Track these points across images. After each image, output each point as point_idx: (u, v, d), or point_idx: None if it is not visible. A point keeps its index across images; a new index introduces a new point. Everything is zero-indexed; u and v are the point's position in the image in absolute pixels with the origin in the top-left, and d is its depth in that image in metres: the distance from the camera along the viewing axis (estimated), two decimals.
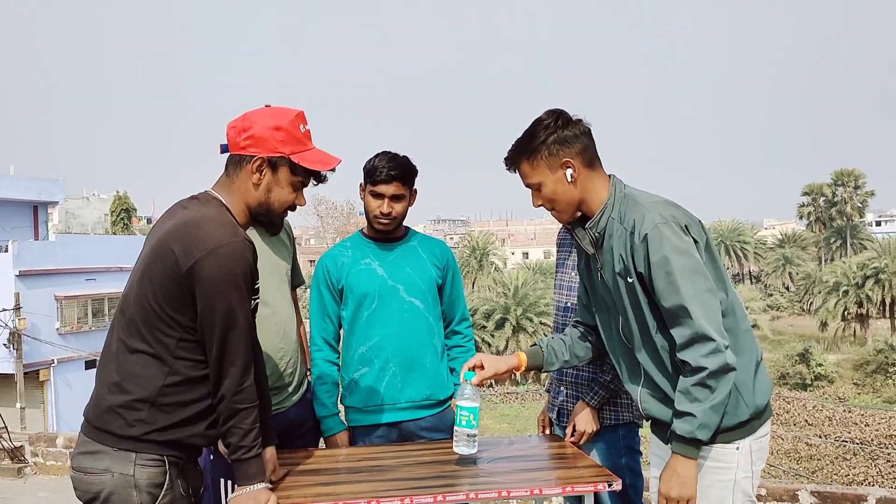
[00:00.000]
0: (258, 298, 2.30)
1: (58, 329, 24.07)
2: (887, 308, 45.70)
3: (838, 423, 28.10)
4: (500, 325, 40.41)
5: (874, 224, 79.95)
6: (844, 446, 24.91)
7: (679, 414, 2.15)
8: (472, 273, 55.49)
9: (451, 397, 3.20)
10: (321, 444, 3.14)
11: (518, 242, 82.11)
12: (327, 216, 55.11)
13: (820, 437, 26.16)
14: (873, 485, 20.23)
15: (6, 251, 22.95)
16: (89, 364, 23.75)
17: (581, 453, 2.73)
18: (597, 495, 2.51)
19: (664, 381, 2.25)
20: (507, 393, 34.96)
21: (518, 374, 2.71)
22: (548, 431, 3.06)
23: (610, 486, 2.35)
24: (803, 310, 55.64)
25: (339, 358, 3.22)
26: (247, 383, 2.13)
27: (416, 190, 3.14)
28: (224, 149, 2.26)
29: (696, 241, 2.19)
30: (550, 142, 2.29)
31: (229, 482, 2.56)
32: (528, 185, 2.38)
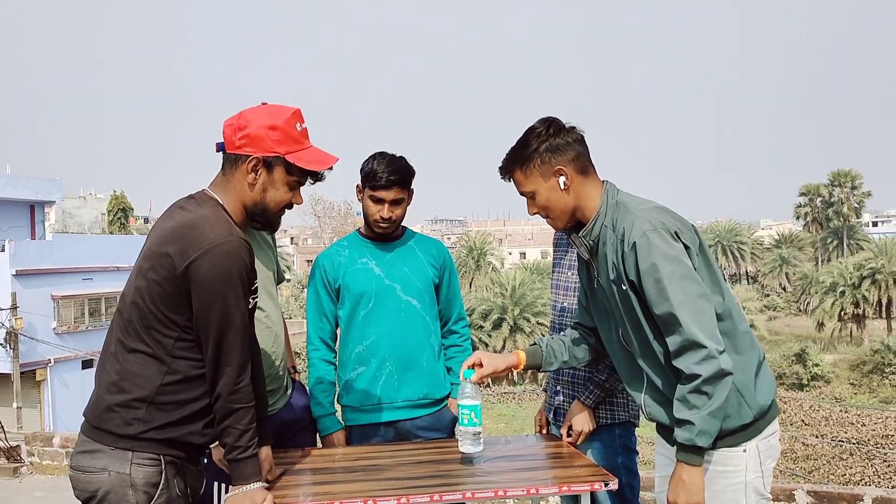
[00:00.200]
0: (256, 298, 2.30)
1: (54, 329, 24.03)
2: (884, 308, 45.77)
3: (835, 423, 28.15)
4: (497, 325, 40.42)
5: (871, 224, 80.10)
6: (841, 446, 24.95)
7: (678, 422, 2.15)
8: (469, 273, 55.50)
9: (447, 396, 3.20)
10: (317, 443, 3.14)
11: (515, 242, 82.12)
12: (325, 216, 55.03)
13: (816, 436, 26.20)
14: (870, 484, 20.26)
15: (3, 250, 22.89)
16: (86, 364, 23.72)
17: (577, 452, 2.73)
18: (593, 494, 2.51)
19: (666, 386, 2.24)
20: (505, 393, 34.96)
21: (516, 372, 2.72)
22: (545, 431, 3.06)
23: (606, 485, 2.35)
24: (800, 310, 55.73)
25: (335, 357, 3.22)
26: (243, 383, 2.13)
27: (412, 189, 3.14)
28: (220, 147, 2.25)
29: (687, 247, 2.18)
30: (543, 150, 2.30)
31: (223, 485, 2.55)
32: (522, 194, 2.39)
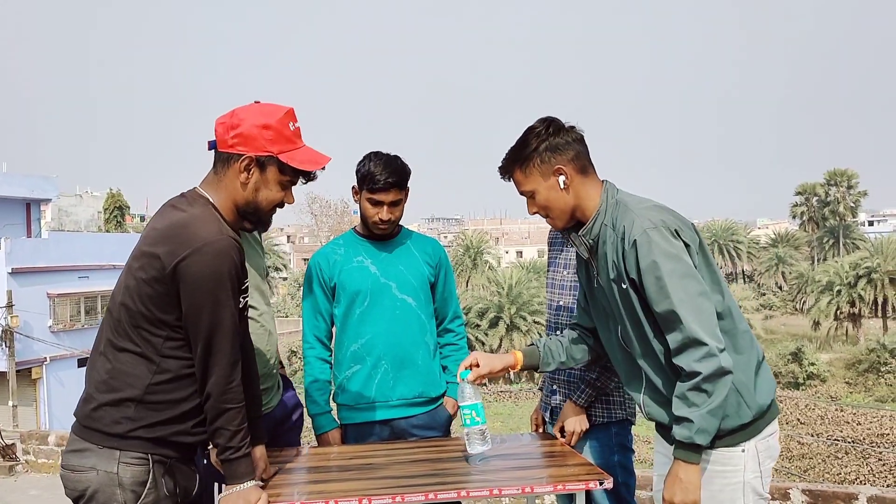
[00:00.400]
0: (247, 297, 2.29)
1: (50, 327, 24.01)
2: (879, 307, 45.83)
3: (830, 422, 28.17)
4: (493, 323, 40.41)
5: (867, 224, 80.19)
6: (836, 445, 24.98)
7: (677, 419, 2.15)
8: (466, 271, 55.48)
9: (443, 395, 3.20)
10: (312, 441, 3.14)
11: (512, 241, 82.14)
12: (321, 214, 55.03)
13: (812, 435, 26.23)
14: (865, 483, 20.30)
15: None
16: (82, 362, 23.68)
17: (573, 451, 2.73)
18: (589, 493, 2.51)
19: (666, 386, 2.24)
20: (501, 391, 34.96)
21: (513, 372, 2.71)
22: (541, 430, 3.07)
23: (601, 484, 2.35)
24: (796, 309, 55.76)
25: (331, 356, 3.22)
26: (234, 383, 2.12)
27: (408, 187, 3.14)
28: (212, 145, 2.23)
29: (688, 245, 2.18)
30: (542, 149, 2.30)
31: (222, 485, 2.55)
32: (522, 193, 2.39)
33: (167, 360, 2.11)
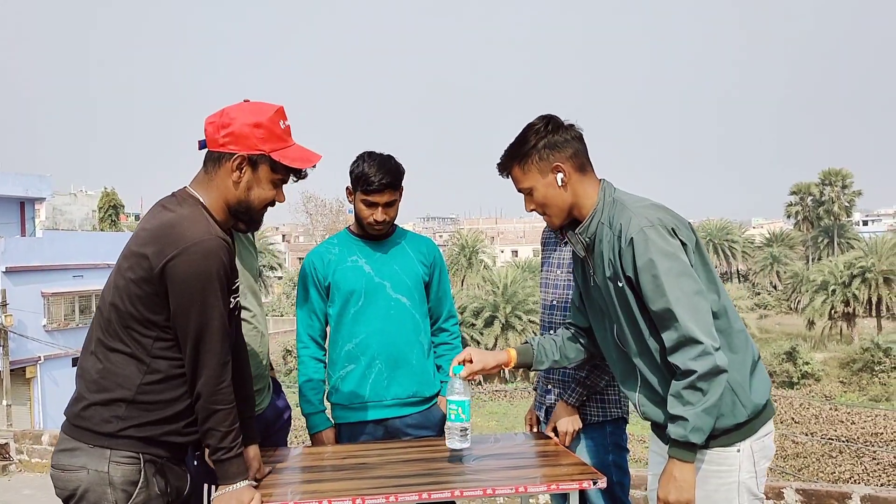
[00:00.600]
0: (238, 297, 2.28)
1: (45, 326, 23.96)
2: (873, 307, 45.94)
3: (824, 421, 28.26)
4: (489, 322, 40.44)
5: (861, 223, 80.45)
6: (830, 444, 25.05)
7: (672, 418, 2.15)
8: (461, 271, 55.47)
9: (437, 395, 3.19)
10: (305, 440, 3.13)
11: (507, 240, 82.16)
12: (316, 213, 55.02)
13: (806, 434, 26.30)
14: (859, 482, 20.36)
15: None
16: (76, 361, 23.49)
17: (567, 451, 2.73)
18: (583, 493, 2.51)
19: (661, 385, 2.24)
20: (496, 391, 34.98)
21: (507, 370, 2.71)
22: (535, 429, 3.06)
23: (595, 483, 2.35)
24: (790, 308, 55.90)
25: (325, 355, 3.21)
26: (224, 384, 2.12)
27: (402, 187, 3.14)
28: (202, 145, 2.22)
29: (684, 244, 2.18)
30: (541, 146, 2.30)
31: (213, 487, 2.54)
32: (520, 190, 2.39)
33: (157, 360, 2.11)
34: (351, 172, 3.06)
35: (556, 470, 2.51)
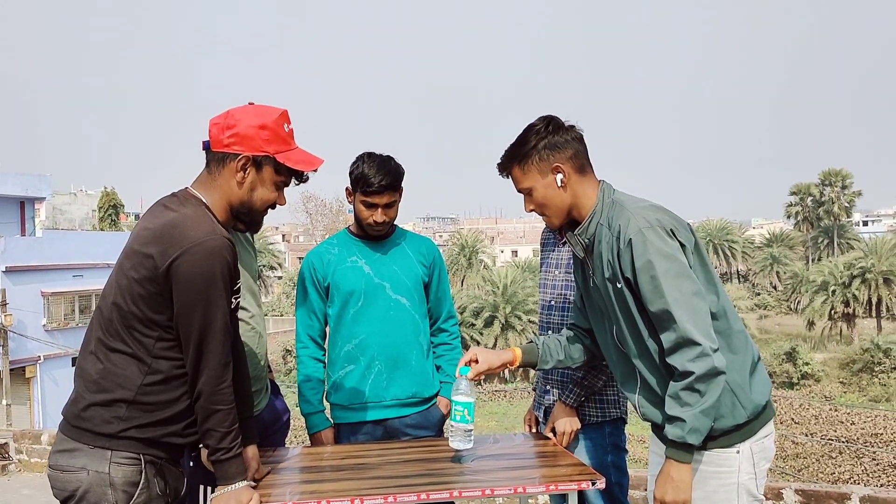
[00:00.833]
0: (239, 298, 2.28)
1: (44, 325, 23.96)
2: (873, 307, 45.95)
3: (824, 422, 28.25)
4: (489, 322, 40.43)
5: (861, 224, 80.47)
6: (830, 445, 25.04)
7: (670, 419, 2.15)
8: (461, 271, 55.48)
9: (436, 395, 3.20)
10: (304, 441, 3.13)
11: (507, 240, 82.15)
12: (316, 213, 55.09)
13: (806, 435, 26.29)
14: (858, 483, 20.36)
15: None
16: (76, 361, 23.62)
17: (565, 451, 2.73)
18: (582, 493, 2.51)
19: (661, 386, 2.24)
20: (496, 391, 34.97)
21: (508, 370, 2.71)
22: (534, 430, 3.06)
23: (594, 484, 2.35)
24: (790, 309, 55.89)
25: (324, 355, 3.21)
26: (224, 384, 2.12)
27: (402, 188, 3.14)
28: (206, 146, 2.23)
29: (683, 245, 2.18)
30: (541, 147, 2.30)
31: (209, 488, 2.54)
32: (519, 190, 2.39)
33: (159, 360, 2.11)
34: (351, 173, 3.06)
35: (555, 470, 2.51)
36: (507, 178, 2.40)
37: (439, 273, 3.26)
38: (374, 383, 3.07)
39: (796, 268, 57.98)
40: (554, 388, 2.96)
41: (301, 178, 2.29)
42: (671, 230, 2.18)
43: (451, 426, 2.55)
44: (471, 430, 2.55)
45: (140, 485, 2.09)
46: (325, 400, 3.16)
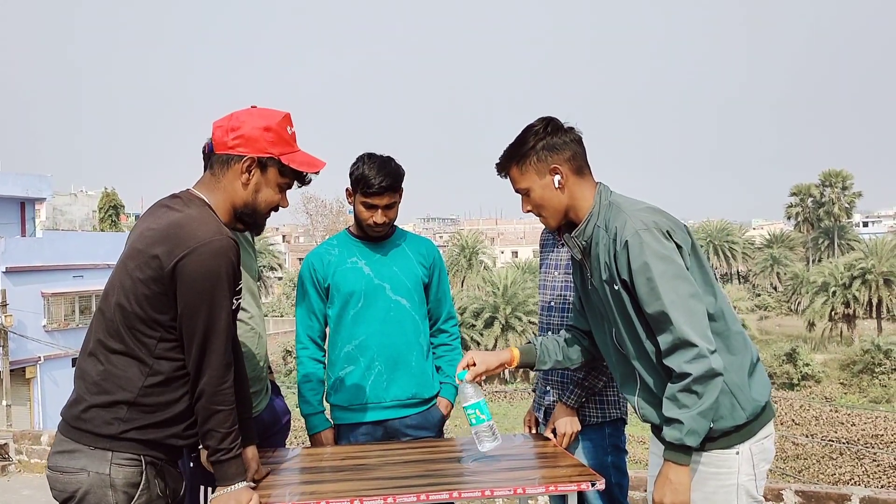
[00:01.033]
0: (240, 299, 2.28)
1: (45, 326, 23.96)
2: (874, 308, 45.97)
3: (825, 423, 28.25)
4: (489, 323, 40.44)
5: (861, 225, 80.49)
6: (831, 446, 25.03)
7: (667, 420, 2.15)
8: (461, 272, 55.50)
9: (436, 396, 3.20)
10: (304, 441, 3.13)
11: (507, 241, 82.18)
12: (317, 214, 55.07)
13: (806, 436, 26.29)
14: (859, 484, 20.35)
15: None
16: (76, 361, 23.62)
17: (565, 452, 2.73)
18: (582, 494, 2.51)
19: (659, 387, 2.24)
20: (496, 392, 34.96)
21: (508, 371, 2.71)
22: (534, 431, 3.06)
23: (593, 485, 2.35)
24: (791, 310, 55.90)
25: (324, 356, 3.21)
26: (226, 385, 2.12)
27: (402, 189, 3.14)
28: (209, 148, 2.24)
29: (679, 247, 2.18)
30: (539, 148, 2.31)
31: (209, 489, 2.54)
32: (517, 191, 2.39)
33: (160, 361, 2.10)
34: (351, 174, 3.06)
35: (555, 471, 2.51)
36: (505, 178, 2.40)
37: (439, 274, 3.26)
38: (374, 384, 3.07)
39: (797, 269, 58.00)
40: (554, 389, 2.96)
41: (303, 180, 2.30)
42: (667, 232, 2.18)
43: (474, 432, 2.54)
44: (492, 426, 2.54)
45: (140, 486, 2.09)
46: (324, 401, 3.16)
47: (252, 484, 2.27)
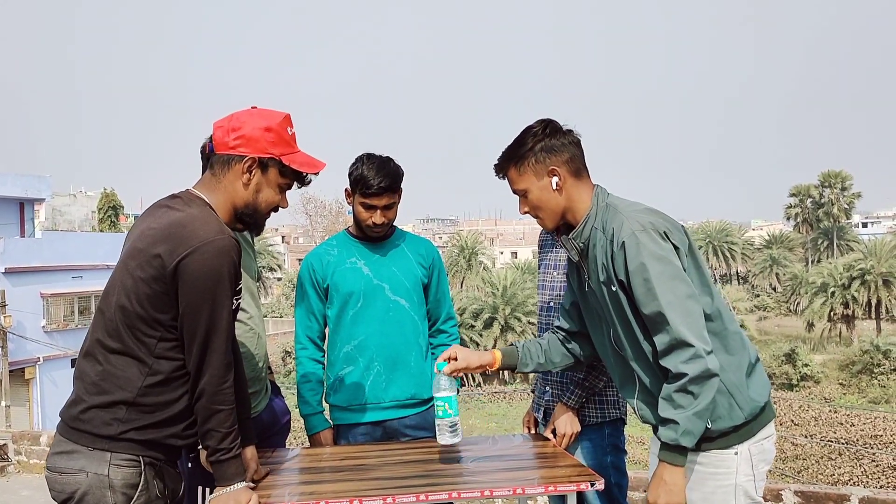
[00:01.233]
0: (240, 299, 2.29)
1: (44, 327, 23.94)
2: (873, 309, 45.96)
3: (824, 423, 28.25)
4: (488, 324, 40.43)
5: (860, 225, 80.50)
6: (830, 446, 25.03)
7: (663, 421, 2.15)
8: (460, 272, 55.49)
9: None
10: (304, 442, 3.13)
11: (507, 242, 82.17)
12: (316, 215, 55.02)
13: (806, 436, 26.29)
14: (858, 484, 20.36)
15: None
16: (75, 362, 23.59)
17: (564, 452, 2.73)
18: (581, 494, 2.51)
19: (656, 387, 2.24)
20: (495, 392, 34.98)
21: (491, 370, 2.72)
22: (533, 431, 3.06)
23: (593, 485, 2.35)
24: (790, 310, 55.91)
25: (324, 356, 3.22)
26: (226, 384, 2.12)
27: (401, 189, 3.14)
28: (210, 149, 2.24)
29: (676, 248, 2.19)
30: (538, 149, 2.31)
31: (207, 489, 2.54)
32: (515, 192, 2.40)
33: (160, 361, 2.10)
34: (350, 175, 3.06)
35: (554, 471, 2.51)
36: (504, 179, 2.41)
37: (438, 274, 3.26)
38: (373, 384, 3.07)
39: (796, 269, 58.00)
40: (553, 389, 2.96)
41: (303, 181, 2.30)
42: (664, 233, 2.18)
43: (437, 423, 2.56)
44: (455, 424, 2.55)
45: (139, 486, 2.08)
46: (324, 401, 3.16)
47: (251, 484, 2.27)
